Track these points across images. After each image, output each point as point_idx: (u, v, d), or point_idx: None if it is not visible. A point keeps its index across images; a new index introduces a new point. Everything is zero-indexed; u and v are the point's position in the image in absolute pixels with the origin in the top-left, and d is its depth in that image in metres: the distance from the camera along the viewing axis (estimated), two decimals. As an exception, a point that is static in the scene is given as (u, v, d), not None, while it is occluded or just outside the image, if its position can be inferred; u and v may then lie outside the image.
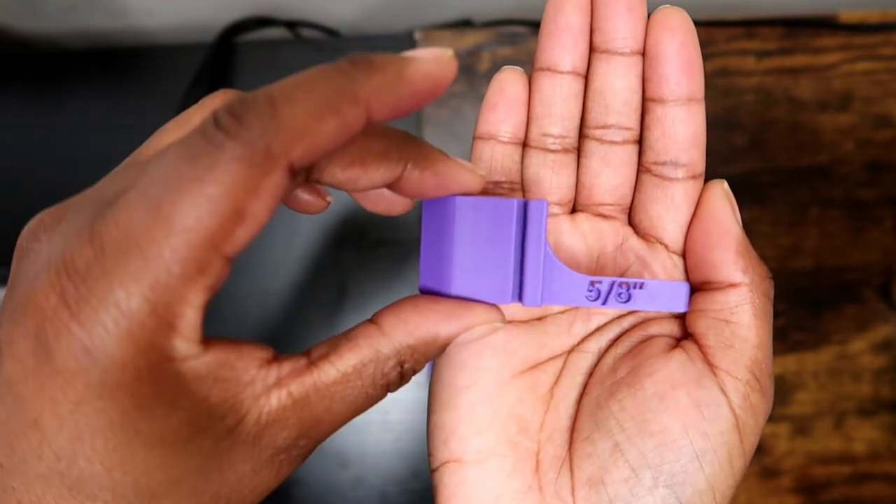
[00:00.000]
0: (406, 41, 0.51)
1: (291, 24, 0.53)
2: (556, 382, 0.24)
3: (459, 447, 0.23)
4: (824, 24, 0.51)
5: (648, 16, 0.23)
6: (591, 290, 0.22)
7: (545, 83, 0.23)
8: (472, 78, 0.51)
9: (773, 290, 0.23)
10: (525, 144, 0.24)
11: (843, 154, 0.51)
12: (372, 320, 0.20)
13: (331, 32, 0.54)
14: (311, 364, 0.18)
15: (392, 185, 0.20)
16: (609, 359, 0.23)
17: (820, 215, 0.51)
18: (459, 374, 0.23)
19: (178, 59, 0.51)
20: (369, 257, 0.51)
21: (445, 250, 0.21)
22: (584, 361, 0.24)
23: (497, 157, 0.24)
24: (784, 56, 0.51)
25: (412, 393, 0.51)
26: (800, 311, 0.50)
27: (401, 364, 0.19)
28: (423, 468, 0.51)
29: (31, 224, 0.18)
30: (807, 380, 0.50)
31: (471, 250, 0.21)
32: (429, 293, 0.22)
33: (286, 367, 0.18)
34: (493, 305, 0.21)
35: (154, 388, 0.15)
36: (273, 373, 0.17)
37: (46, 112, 0.52)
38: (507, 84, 0.24)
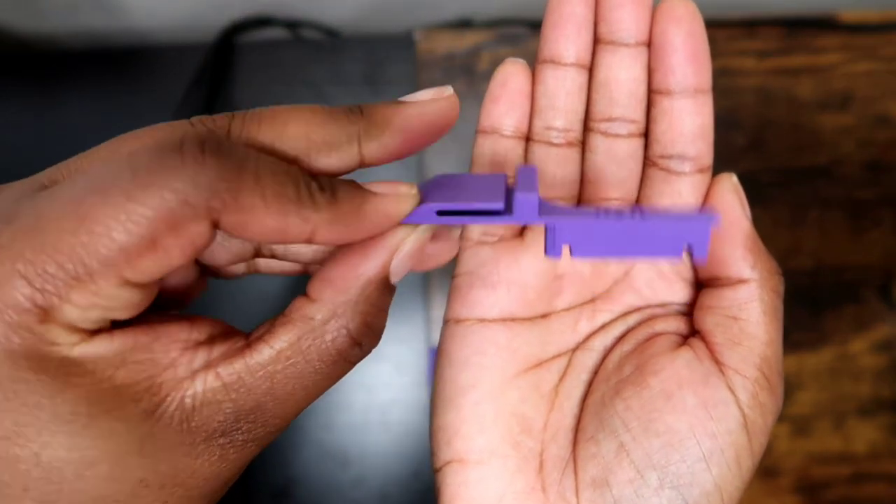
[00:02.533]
0: (406, 41, 0.51)
1: (291, 24, 0.53)
2: (560, 381, 0.23)
3: (462, 447, 0.22)
4: (824, 24, 0.51)
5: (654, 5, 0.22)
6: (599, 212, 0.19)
7: (549, 75, 0.23)
8: (472, 78, 0.51)
9: (784, 286, 0.22)
10: (528, 138, 0.24)
11: (843, 154, 0.51)
12: (304, 293, 0.18)
13: (331, 32, 0.54)
14: (247, 346, 0.17)
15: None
16: (615, 356, 0.23)
17: (820, 215, 0.51)
18: (462, 373, 0.23)
19: (178, 59, 0.51)
20: (369, 257, 0.51)
21: (449, 188, 0.20)
22: (589, 359, 0.23)
23: (500, 152, 0.23)
24: (784, 56, 0.51)
25: (412, 393, 0.51)
26: (800, 311, 0.50)
27: (346, 326, 0.17)
28: (424, 468, 0.51)
29: None
30: (807, 380, 0.49)
31: (471, 184, 0.20)
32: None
33: (218, 349, 0.17)
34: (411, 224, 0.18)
35: (37, 364, 0.15)
36: (201, 356, 0.17)
37: (46, 112, 0.52)
38: (510, 77, 0.23)
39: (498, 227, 0.23)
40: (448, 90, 0.18)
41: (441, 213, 0.18)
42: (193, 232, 0.15)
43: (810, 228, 0.51)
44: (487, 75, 0.51)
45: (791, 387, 0.50)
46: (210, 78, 0.50)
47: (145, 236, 0.14)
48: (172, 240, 0.15)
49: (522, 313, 0.23)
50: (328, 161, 0.17)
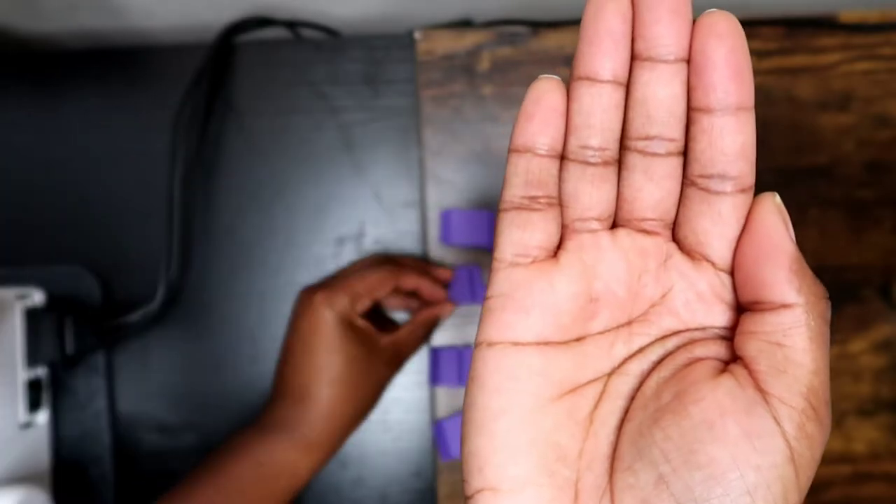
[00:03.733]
0: (406, 41, 0.51)
1: (291, 24, 0.53)
2: (595, 407, 0.22)
3: (495, 475, 0.21)
4: (824, 24, 0.51)
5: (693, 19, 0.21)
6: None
7: (584, 93, 0.22)
8: (472, 78, 0.51)
9: (830, 311, 0.21)
10: (563, 157, 0.23)
11: (843, 154, 0.51)
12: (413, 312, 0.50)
13: (330, 32, 0.54)
14: (397, 331, 0.48)
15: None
16: (652, 382, 0.22)
17: (820, 215, 0.51)
18: (495, 398, 0.22)
19: (178, 59, 0.51)
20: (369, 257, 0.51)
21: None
22: (625, 385, 0.22)
23: (534, 171, 0.22)
24: (784, 56, 0.51)
25: (412, 393, 0.51)
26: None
27: (425, 327, 0.50)
28: (424, 468, 0.51)
29: (320, 294, 0.46)
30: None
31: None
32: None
33: (390, 333, 0.48)
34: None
35: (348, 324, 0.45)
36: (384, 334, 0.47)
37: (46, 112, 0.52)
38: (545, 94, 0.22)
39: (531, 249, 0.23)
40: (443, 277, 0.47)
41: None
42: (367, 300, 0.46)
43: (810, 228, 0.51)
44: (488, 75, 0.51)
45: (791, 387, 0.50)
46: (210, 78, 0.50)
47: (360, 296, 0.46)
48: (366, 300, 0.46)
49: (556, 337, 0.22)
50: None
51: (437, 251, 0.51)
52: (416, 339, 0.49)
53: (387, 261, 0.49)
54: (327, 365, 0.44)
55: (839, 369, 0.50)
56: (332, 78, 0.52)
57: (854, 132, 0.51)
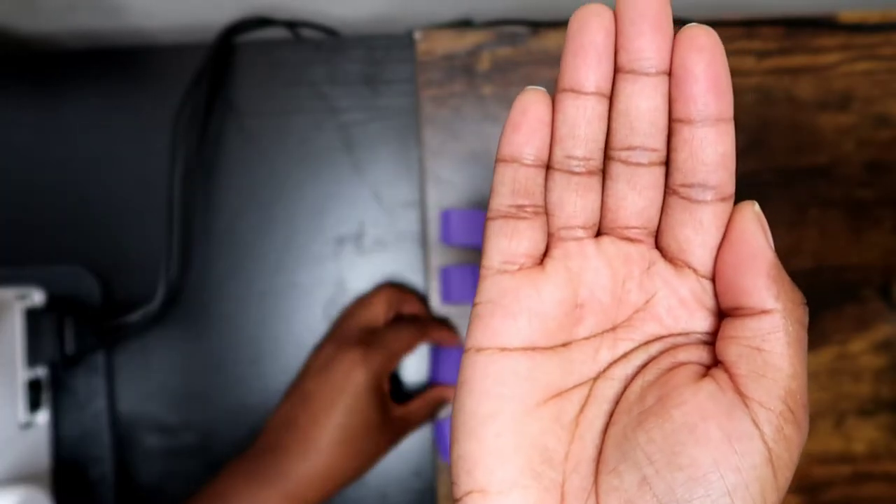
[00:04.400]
0: (406, 41, 0.51)
1: (291, 24, 0.53)
2: (581, 411, 0.23)
3: (483, 478, 0.22)
4: (824, 24, 0.51)
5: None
6: None
7: (569, 104, 0.23)
8: (472, 78, 0.51)
9: (808, 317, 0.22)
10: (549, 167, 0.23)
11: (843, 154, 0.51)
12: (424, 391, 0.49)
13: (330, 32, 0.54)
14: (408, 405, 0.47)
15: None
16: (636, 387, 0.23)
17: (820, 215, 0.51)
18: (483, 403, 0.22)
19: (178, 59, 0.51)
20: (369, 257, 0.51)
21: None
22: (609, 389, 0.23)
23: (520, 181, 0.23)
24: (784, 56, 0.51)
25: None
26: (800, 311, 0.50)
27: (433, 408, 0.49)
28: (424, 468, 0.51)
29: (360, 357, 0.45)
30: (807, 380, 0.49)
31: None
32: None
33: (401, 406, 0.47)
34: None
35: (378, 389, 0.44)
36: (395, 405, 0.46)
37: (46, 112, 0.52)
38: (531, 105, 0.23)
39: (518, 256, 0.23)
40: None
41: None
42: (391, 365, 0.46)
43: (810, 228, 0.51)
44: (487, 75, 0.51)
45: (791, 387, 0.49)
46: (210, 78, 0.50)
47: (405, 345, 0.46)
48: (388, 367, 0.45)
49: (543, 342, 0.23)
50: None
51: (437, 251, 0.51)
52: (425, 416, 0.48)
53: (399, 297, 0.49)
54: (343, 426, 0.43)
55: (839, 369, 0.50)
56: (332, 78, 0.52)
57: (854, 132, 0.51)
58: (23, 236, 0.51)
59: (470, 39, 0.51)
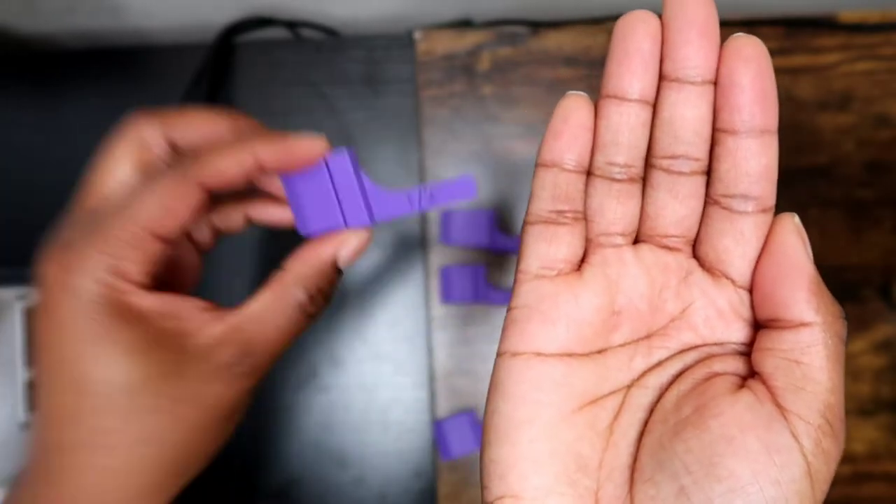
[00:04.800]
0: (406, 41, 0.51)
1: (291, 24, 0.53)
2: (615, 418, 0.23)
3: (517, 484, 0.22)
4: (824, 24, 0.51)
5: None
6: (411, 198, 0.28)
7: (612, 111, 0.22)
8: (472, 78, 0.51)
9: (846, 331, 0.21)
10: (589, 173, 0.23)
11: (843, 154, 0.51)
12: (280, 265, 0.28)
13: (330, 32, 0.54)
14: (243, 304, 0.27)
15: (257, 175, 0.27)
16: (671, 396, 0.22)
17: (820, 215, 0.51)
18: (519, 408, 0.22)
19: (178, 59, 0.51)
20: (369, 259, 0.51)
21: (302, 205, 0.29)
22: (644, 398, 0.23)
23: (561, 185, 0.23)
24: (784, 56, 0.51)
25: (412, 393, 0.51)
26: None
27: (305, 288, 0.28)
28: (424, 468, 0.51)
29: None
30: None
31: (312, 204, 0.29)
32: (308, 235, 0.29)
33: (224, 309, 0.27)
34: (362, 228, 0.29)
35: (119, 312, 0.25)
36: (215, 312, 0.27)
37: (46, 112, 0.52)
38: (573, 112, 0.23)
39: (557, 262, 0.23)
40: (319, 136, 0.28)
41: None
42: (192, 195, 0.26)
43: (810, 228, 0.51)
44: (487, 75, 0.51)
45: (791, 387, 0.50)
46: (210, 78, 0.50)
47: (162, 205, 0.25)
48: (177, 202, 0.26)
49: (579, 349, 0.23)
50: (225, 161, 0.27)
51: (437, 251, 0.51)
52: (291, 317, 0.27)
53: (160, 125, 0.29)
54: (89, 410, 0.24)
55: (839, 369, 0.50)
56: (332, 78, 0.52)
57: (854, 132, 0.51)
58: (23, 236, 0.51)
59: (470, 39, 0.51)
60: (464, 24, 0.52)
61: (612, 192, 0.23)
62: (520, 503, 0.22)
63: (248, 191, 0.32)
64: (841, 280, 0.51)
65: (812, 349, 0.21)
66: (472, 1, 0.53)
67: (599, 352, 0.23)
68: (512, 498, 0.22)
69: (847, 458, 0.50)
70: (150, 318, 0.25)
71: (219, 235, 0.32)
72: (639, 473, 0.22)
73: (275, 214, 0.32)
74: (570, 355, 0.23)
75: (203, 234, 0.32)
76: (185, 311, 0.26)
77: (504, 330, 0.23)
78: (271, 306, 0.27)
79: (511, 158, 0.51)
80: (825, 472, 0.21)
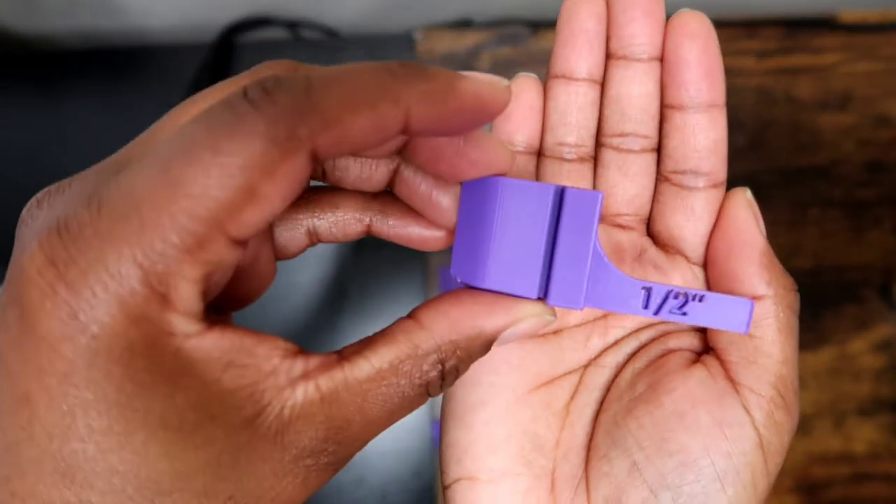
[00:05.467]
0: (406, 41, 0.51)
1: (291, 24, 0.53)
2: (571, 398, 0.23)
3: (473, 465, 0.22)
4: (824, 24, 0.51)
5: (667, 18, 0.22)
6: (643, 297, 0.19)
7: (560, 91, 0.23)
8: (472, 78, 0.51)
9: (799, 303, 0.22)
10: (540, 154, 0.23)
11: (843, 154, 0.51)
12: (410, 316, 0.18)
13: (330, 32, 0.54)
14: (343, 359, 0.16)
15: (414, 152, 0.18)
16: (627, 374, 0.23)
17: (820, 215, 0.51)
18: (472, 391, 0.22)
19: (178, 59, 0.51)
20: (369, 257, 0.51)
21: (482, 238, 0.19)
22: (600, 377, 0.23)
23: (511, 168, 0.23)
24: (784, 56, 0.51)
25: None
26: (800, 311, 0.50)
27: (442, 362, 0.18)
28: (424, 468, 0.51)
29: (36, 196, 0.17)
30: (807, 380, 0.49)
31: (505, 239, 0.19)
32: (461, 282, 0.20)
33: (314, 360, 0.16)
34: (543, 301, 0.19)
35: (152, 362, 0.14)
36: (299, 364, 0.16)
37: (46, 112, 0.52)
38: (522, 92, 0.23)
39: None
40: (504, 82, 0.17)
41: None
42: (290, 167, 0.14)
43: (810, 228, 0.51)
44: (487, 75, 0.51)
45: (791, 387, 0.50)
46: (210, 78, 0.50)
47: (244, 186, 0.14)
48: (271, 184, 0.14)
49: None
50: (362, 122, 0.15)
51: (438, 255, 0.51)
52: (408, 398, 0.18)
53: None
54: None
55: (839, 369, 0.50)
56: (332, 78, 0.52)
57: (854, 132, 0.51)
58: (23, 236, 0.51)
59: (470, 39, 0.51)
60: (464, 24, 0.52)
61: (563, 173, 0.23)
62: (476, 485, 0.22)
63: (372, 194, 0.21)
64: (841, 280, 0.51)
65: (764, 322, 0.21)
66: (472, 1, 0.53)
67: (555, 333, 0.23)
68: (468, 480, 0.22)
69: (847, 458, 0.50)
70: (205, 373, 0.15)
71: (316, 240, 0.21)
72: (594, 451, 0.22)
73: (413, 233, 0.21)
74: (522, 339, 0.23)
75: (293, 229, 0.21)
76: (259, 360, 0.16)
77: None
78: (386, 374, 0.17)
79: (511, 158, 0.51)
80: (778, 443, 0.21)
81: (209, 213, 0.14)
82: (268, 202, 0.14)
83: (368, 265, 0.51)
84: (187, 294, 0.14)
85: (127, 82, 0.52)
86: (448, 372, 0.18)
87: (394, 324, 0.18)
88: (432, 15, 0.54)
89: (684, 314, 0.19)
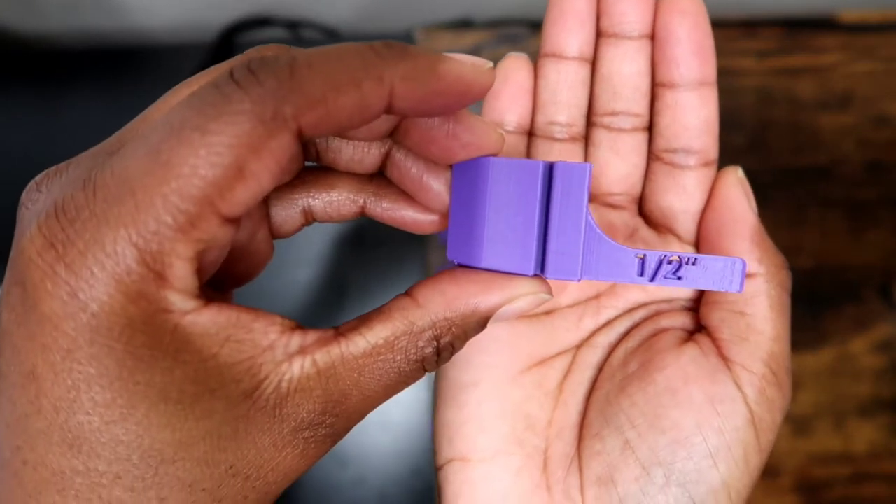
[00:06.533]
0: (406, 41, 0.51)
1: (291, 24, 0.53)
2: (564, 378, 0.23)
3: (465, 445, 0.22)
4: (824, 24, 0.51)
5: None
6: (637, 265, 0.19)
7: (551, 70, 0.22)
8: (472, 78, 0.51)
9: (791, 281, 0.22)
10: (531, 133, 0.23)
11: (843, 154, 0.51)
12: (407, 293, 0.18)
13: (331, 32, 0.54)
14: (340, 335, 0.17)
15: (404, 135, 0.18)
16: (619, 353, 0.23)
17: (820, 215, 0.51)
18: (464, 371, 0.22)
19: (178, 59, 0.51)
20: (369, 257, 0.51)
21: (475, 219, 0.19)
22: (593, 356, 0.23)
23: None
24: (784, 56, 0.51)
25: (412, 393, 0.51)
26: (800, 311, 0.50)
27: (437, 339, 0.18)
28: (424, 467, 0.51)
29: (35, 179, 0.18)
30: (807, 380, 0.49)
31: (499, 218, 0.19)
32: (458, 264, 0.20)
33: (311, 335, 0.17)
34: (539, 276, 0.19)
35: (151, 338, 0.15)
36: (296, 339, 0.17)
37: (46, 112, 0.52)
38: (512, 71, 0.23)
39: None
40: (488, 64, 0.17)
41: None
42: (277, 145, 0.15)
43: (810, 228, 0.51)
44: (487, 75, 0.51)
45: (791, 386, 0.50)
46: (210, 78, 0.50)
47: (232, 164, 0.14)
48: (258, 162, 0.15)
49: None
50: (347, 100, 0.15)
51: (437, 251, 0.51)
52: (404, 373, 0.18)
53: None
54: (86, 480, 0.16)
55: (839, 369, 0.50)
56: (332, 78, 0.52)
57: (854, 132, 0.51)
58: (23, 236, 0.51)
59: (470, 39, 0.51)
60: (464, 24, 0.52)
61: (554, 152, 0.23)
62: (468, 465, 0.22)
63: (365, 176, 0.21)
64: (841, 280, 0.51)
65: (755, 299, 0.21)
66: (472, 1, 0.53)
67: (547, 313, 0.23)
68: (460, 461, 0.22)
69: (847, 458, 0.50)
70: (203, 348, 0.15)
71: (311, 218, 0.21)
72: (586, 430, 0.22)
73: (406, 216, 0.21)
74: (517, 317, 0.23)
75: (289, 208, 0.20)
76: (256, 335, 0.16)
77: None
78: (381, 350, 0.17)
79: (511, 158, 0.51)
80: (769, 420, 0.21)
81: (200, 192, 0.14)
82: (256, 180, 0.15)
83: (368, 263, 0.51)
84: (182, 272, 0.15)
85: (127, 82, 0.52)
86: (443, 348, 0.18)
87: (391, 301, 0.18)
88: (432, 15, 0.54)
89: (679, 278, 0.18)
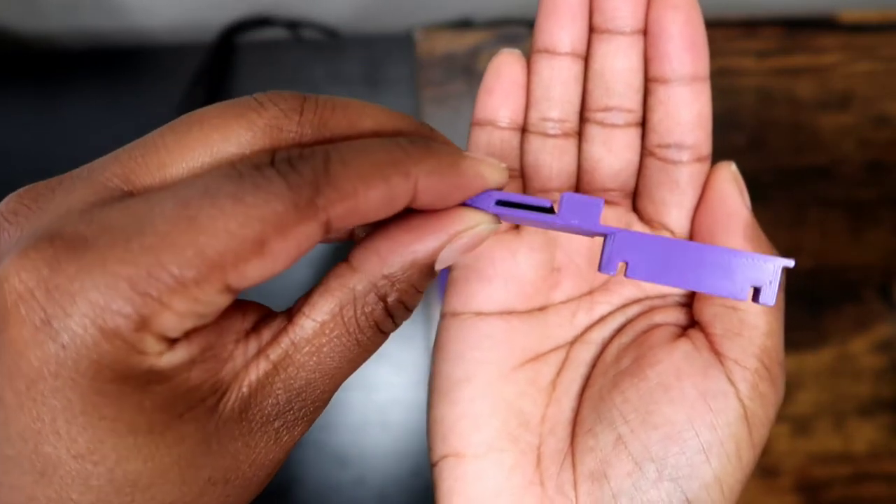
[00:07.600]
0: (406, 41, 0.51)
1: (291, 24, 0.53)
2: (558, 374, 0.23)
3: (459, 442, 0.22)
4: (824, 24, 0.51)
5: None
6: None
7: (544, 66, 0.23)
8: (472, 78, 0.51)
9: (784, 276, 0.22)
10: (524, 129, 0.23)
11: (843, 154, 0.51)
12: (346, 258, 0.18)
13: (330, 32, 0.54)
14: (290, 322, 0.17)
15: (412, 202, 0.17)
16: (612, 349, 0.23)
17: (820, 215, 0.51)
18: (457, 367, 0.22)
19: (178, 59, 0.51)
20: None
21: None
22: (586, 352, 0.23)
23: (495, 143, 0.23)
24: (784, 56, 0.51)
25: (411, 393, 0.51)
26: (800, 311, 0.50)
27: (382, 299, 0.17)
28: (423, 467, 0.51)
29: (17, 192, 0.17)
30: (807, 380, 0.49)
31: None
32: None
33: (266, 333, 0.17)
34: (478, 209, 0.18)
35: (120, 375, 0.14)
36: (253, 344, 0.17)
37: (46, 112, 0.52)
38: (505, 67, 0.23)
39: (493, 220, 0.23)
40: (502, 164, 0.18)
41: (500, 202, 0.18)
42: (303, 231, 0.15)
43: (810, 228, 0.51)
44: (487, 75, 0.51)
45: (791, 387, 0.50)
46: (210, 78, 0.50)
47: (256, 238, 0.14)
48: (281, 242, 0.14)
49: (520, 306, 0.23)
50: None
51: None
52: (358, 340, 0.18)
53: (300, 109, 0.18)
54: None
55: (839, 369, 0.50)
56: (332, 78, 0.52)
57: (854, 132, 0.51)
58: (23, 236, 0.51)
59: (470, 39, 0.51)
60: (464, 24, 0.52)
61: (547, 148, 0.23)
62: (462, 461, 0.22)
63: None
64: (841, 280, 0.51)
65: None
66: (472, 1, 0.53)
67: (541, 309, 0.23)
68: (454, 457, 0.22)
69: (847, 458, 0.50)
70: (173, 376, 0.15)
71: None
72: (579, 426, 0.22)
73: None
74: (510, 313, 0.23)
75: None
76: (217, 351, 0.16)
77: (446, 291, 0.23)
78: (329, 325, 0.17)
79: (511, 158, 0.51)
80: (762, 415, 0.21)
81: (215, 255, 0.14)
82: (272, 259, 0.15)
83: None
84: (169, 324, 0.14)
85: (127, 82, 0.52)
86: (393, 307, 0.17)
87: (329, 271, 0.18)
88: (432, 15, 0.54)
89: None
